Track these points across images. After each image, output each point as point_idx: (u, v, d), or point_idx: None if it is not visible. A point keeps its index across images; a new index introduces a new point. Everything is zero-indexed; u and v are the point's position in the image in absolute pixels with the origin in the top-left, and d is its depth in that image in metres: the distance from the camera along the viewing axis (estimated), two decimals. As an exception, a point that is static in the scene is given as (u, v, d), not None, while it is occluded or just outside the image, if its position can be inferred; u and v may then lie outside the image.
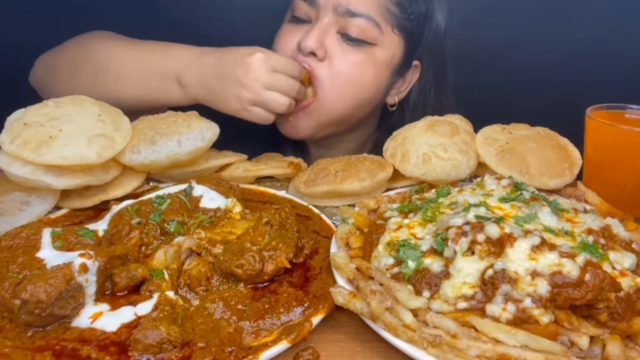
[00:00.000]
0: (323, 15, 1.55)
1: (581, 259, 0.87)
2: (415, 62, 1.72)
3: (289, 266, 1.00)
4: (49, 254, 0.96)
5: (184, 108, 1.41)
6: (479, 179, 1.23)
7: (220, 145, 1.40)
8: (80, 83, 1.53)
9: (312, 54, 1.53)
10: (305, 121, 1.60)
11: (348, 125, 1.71)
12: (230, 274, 0.98)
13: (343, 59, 1.55)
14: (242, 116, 1.45)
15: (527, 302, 0.85)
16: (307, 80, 1.54)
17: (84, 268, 0.91)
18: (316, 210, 1.28)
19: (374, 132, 1.86)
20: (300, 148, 1.80)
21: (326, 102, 1.57)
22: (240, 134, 1.54)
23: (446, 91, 1.85)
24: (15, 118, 1.23)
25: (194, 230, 1.06)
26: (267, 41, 1.63)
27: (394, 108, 1.76)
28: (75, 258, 0.92)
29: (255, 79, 1.39)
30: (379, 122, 1.83)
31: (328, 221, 1.23)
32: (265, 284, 1.00)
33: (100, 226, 1.09)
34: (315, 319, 0.91)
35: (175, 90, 1.48)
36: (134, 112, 1.36)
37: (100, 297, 0.94)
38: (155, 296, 0.94)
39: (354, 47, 1.56)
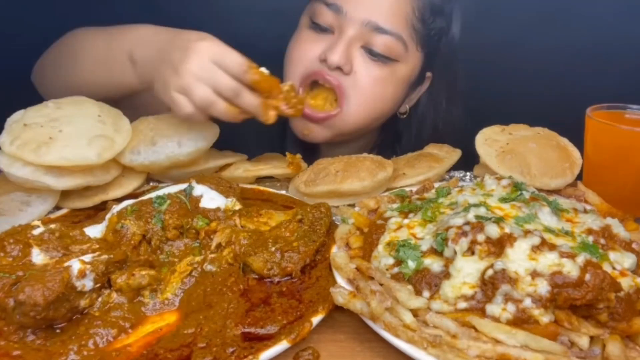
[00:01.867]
0: (348, 27, 1.51)
1: (581, 259, 0.87)
2: (428, 74, 1.73)
3: (299, 275, 1.01)
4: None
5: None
6: (478, 179, 1.23)
7: (222, 144, 1.40)
8: (61, 77, 1.52)
9: (338, 68, 1.51)
10: (325, 131, 1.60)
11: (363, 132, 1.72)
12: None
13: (367, 75, 1.54)
14: (165, 101, 1.27)
15: (527, 302, 0.84)
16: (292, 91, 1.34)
17: (82, 273, 0.91)
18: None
19: (378, 132, 1.87)
20: (310, 147, 1.80)
21: (348, 114, 1.57)
22: (239, 136, 1.53)
23: (457, 102, 1.85)
24: (15, 119, 1.23)
25: (229, 218, 1.09)
26: (266, 42, 1.63)
27: (405, 116, 1.77)
28: (74, 262, 0.92)
29: (189, 66, 1.20)
30: (383, 123, 1.84)
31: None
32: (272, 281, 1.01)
33: (100, 228, 1.09)
34: (315, 319, 0.91)
35: (129, 71, 1.38)
36: (107, 100, 1.34)
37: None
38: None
39: (377, 63, 1.54)
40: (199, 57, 1.21)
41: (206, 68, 1.21)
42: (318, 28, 1.57)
